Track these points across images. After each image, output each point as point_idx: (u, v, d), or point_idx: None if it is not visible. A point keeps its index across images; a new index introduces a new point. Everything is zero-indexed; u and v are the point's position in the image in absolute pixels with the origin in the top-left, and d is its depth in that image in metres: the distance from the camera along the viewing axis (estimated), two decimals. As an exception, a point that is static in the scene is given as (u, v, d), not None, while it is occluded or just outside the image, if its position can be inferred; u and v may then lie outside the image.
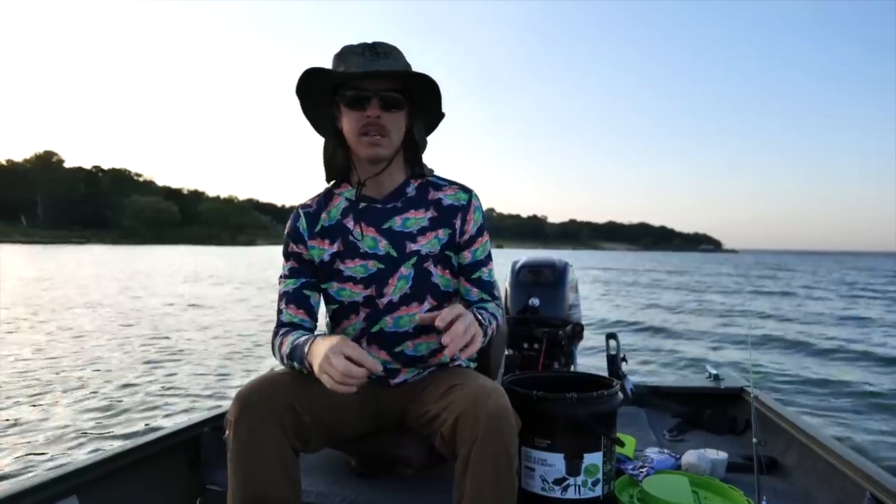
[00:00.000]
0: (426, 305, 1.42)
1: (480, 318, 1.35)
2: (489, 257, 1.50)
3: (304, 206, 1.47)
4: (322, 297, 1.47)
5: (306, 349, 1.27)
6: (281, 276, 1.46)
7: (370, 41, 1.31)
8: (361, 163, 1.38)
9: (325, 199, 1.46)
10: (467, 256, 1.46)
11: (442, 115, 1.42)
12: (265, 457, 1.20)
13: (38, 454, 3.38)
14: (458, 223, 1.43)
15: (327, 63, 1.35)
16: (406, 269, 1.40)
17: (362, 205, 1.42)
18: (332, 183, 1.48)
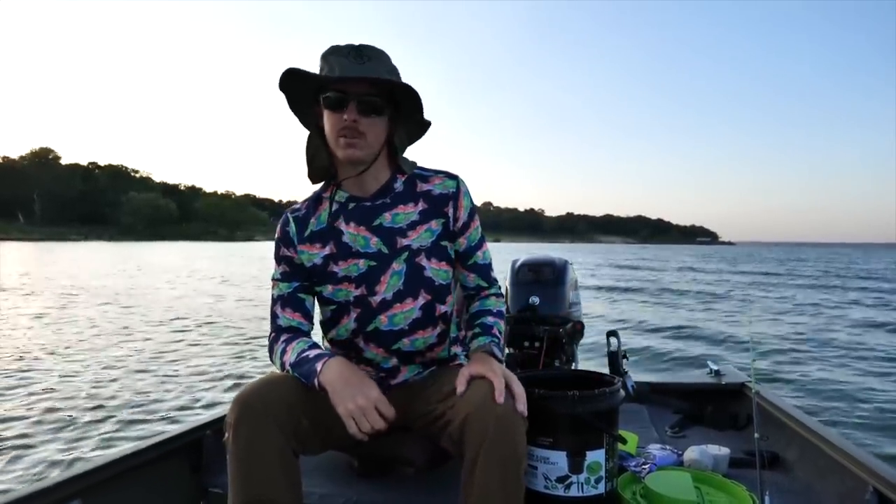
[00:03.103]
0: (420, 300, 1.41)
1: (493, 341, 1.40)
2: (482, 240, 1.52)
3: (293, 210, 1.48)
4: (315, 301, 1.48)
5: (318, 367, 1.28)
6: (273, 280, 1.47)
7: (358, 43, 1.31)
8: (342, 163, 1.39)
9: (314, 203, 1.47)
10: (463, 243, 1.47)
11: (427, 123, 1.43)
12: (265, 459, 1.20)
13: (41, 459, 3.38)
14: (450, 211, 1.44)
15: (317, 61, 1.35)
16: (398, 265, 1.40)
17: (351, 205, 1.42)
18: (320, 186, 1.48)
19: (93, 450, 3.54)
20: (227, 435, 1.22)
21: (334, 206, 1.43)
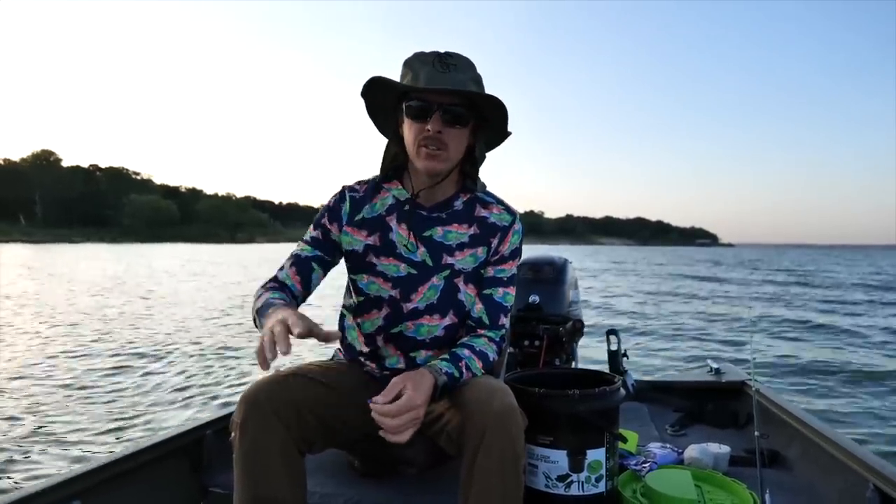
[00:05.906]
0: (447, 320, 1.41)
1: (451, 370, 1.27)
2: (510, 283, 1.47)
3: (351, 188, 1.45)
4: (352, 288, 1.46)
5: (270, 311, 1.17)
6: (302, 239, 1.46)
7: (442, 50, 1.30)
8: (417, 172, 1.37)
9: (372, 189, 1.45)
10: (489, 271, 1.45)
11: (508, 133, 1.41)
12: (271, 459, 1.19)
13: (41, 459, 3.37)
14: (494, 242, 1.44)
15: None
16: (438, 280, 1.40)
17: (407, 207, 1.41)
18: (383, 175, 1.47)
19: (93, 450, 3.54)
20: (233, 434, 1.22)
21: (391, 201, 1.43)
